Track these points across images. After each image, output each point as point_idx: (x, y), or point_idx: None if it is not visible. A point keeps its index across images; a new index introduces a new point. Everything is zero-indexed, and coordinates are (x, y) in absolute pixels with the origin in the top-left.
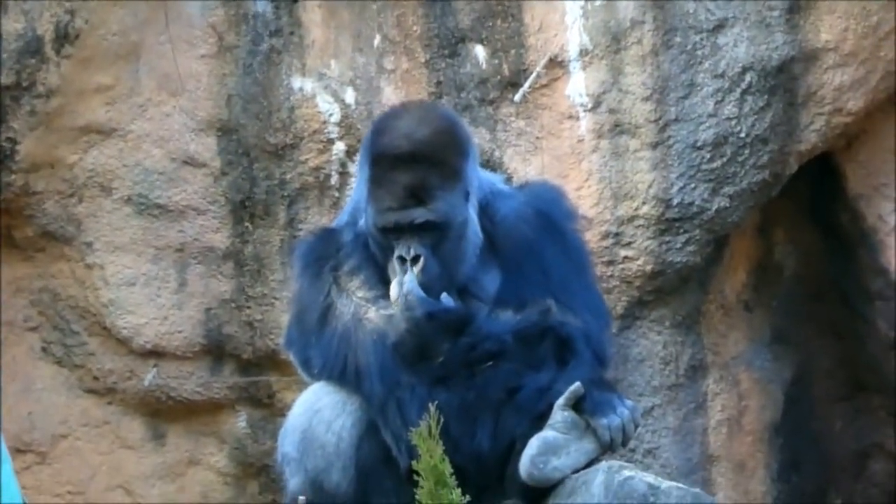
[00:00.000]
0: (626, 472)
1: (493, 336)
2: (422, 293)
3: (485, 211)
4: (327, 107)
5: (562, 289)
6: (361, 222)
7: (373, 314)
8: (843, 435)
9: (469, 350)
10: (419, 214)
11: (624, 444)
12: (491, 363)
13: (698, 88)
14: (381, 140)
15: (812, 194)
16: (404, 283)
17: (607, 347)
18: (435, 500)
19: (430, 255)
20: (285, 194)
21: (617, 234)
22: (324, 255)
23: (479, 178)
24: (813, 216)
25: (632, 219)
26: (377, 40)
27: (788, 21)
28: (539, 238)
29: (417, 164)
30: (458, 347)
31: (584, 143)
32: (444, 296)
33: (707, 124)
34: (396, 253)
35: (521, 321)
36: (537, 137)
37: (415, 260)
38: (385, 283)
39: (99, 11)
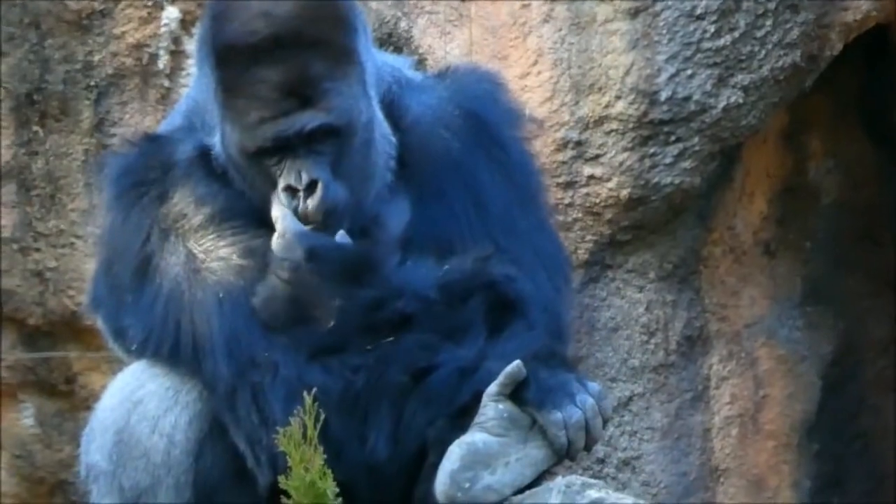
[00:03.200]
0: (593, 494)
1: (409, 290)
2: (303, 228)
3: (388, 111)
4: None
5: (502, 228)
6: (216, 145)
7: (217, 263)
8: None
9: (373, 309)
10: (308, 119)
11: (587, 448)
12: (402, 332)
13: None
14: (228, 26)
15: (861, 86)
16: (280, 219)
17: (564, 311)
18: None
19: (332, 179)
20: (91, 84)
21: (579, 144)
22: (146, 176)
23: (377, 62)
24: (862, 118)
25: (601, 121)
26: None
27: None
28: (469, 152)
29: (288, 50)
30: (356, 305)
31: (532, 10)
32: (339, 233)
33: None
34: (282, 183)
35: (449, 271)
36: (463, 1)
37: (310, 188)
38: (237, 220)
39: None
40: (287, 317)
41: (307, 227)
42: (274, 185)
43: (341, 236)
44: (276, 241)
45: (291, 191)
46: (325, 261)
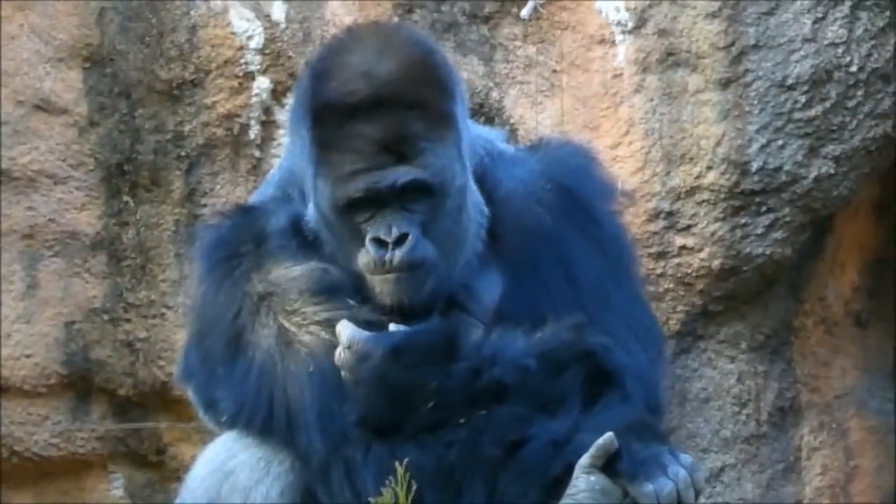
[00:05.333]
0: None
1: (506, 360)
2: (366, 333)
3: (481, 183)
4: (245, 26)
5: (595, 300)
6: (309, 212)
7: (309, 337)
8: None
9: (470, 381)
10: (403, 173)
11: None
12: (482, 405)
13: (788, 0)
14: (327, 85)
15: None
16: (342, 331)
17: (659, 383)
18: None
19: (421, 236)
20: (182, 154)
21: (671, 214)
22: (239, 249)
23: (471, 132)
24: None
25: (692, 191)
26: None
27: None
28: (561, 226)
29: (387, 109)
30: (452, 382)
31: (623, 80)
32: (392, 326)
33: (801, 52)
34: (370, 234)
35: (544, 340)
36: (554, 71)
37: (399, 242)
38: (329, 292)
39: None
40: (375, 399)
41: (391, 285)
42: (361, 241)
43: (395, 327)
44: (340, 354)
45: (379, 242)
46: (409, 352)
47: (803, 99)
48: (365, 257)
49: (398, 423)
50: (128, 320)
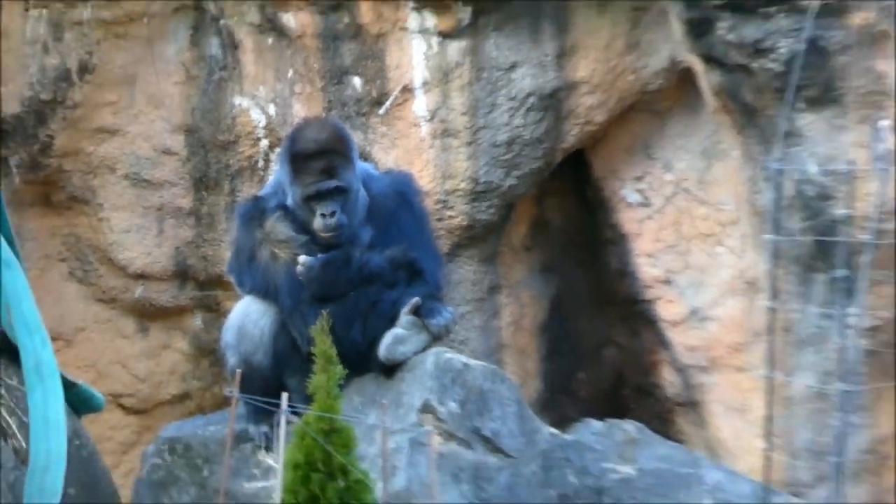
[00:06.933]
0: (448, 355)
1: (372, 264)
2: (314, 259)
3: (364, 187)
4: (257, 117)
5: (412, 240)
6: (288, 200)
7: (284, 254)
8: (587, 331)
9: (354, 275)
10: (332, 183)
11: (446, 336)
12: (367, 284)
13: (498, 107)
14: (296, 145)
15: (571, 175)
16: (301, 260)
17: (441, 275)
18: (325, 373)
19: (340, 211)
20: (229, 173)
21: (444, 202)
22: (254, 214)
23: (359, 165)
24: (572, 190)
25: (454, 191)
26: (290, 73)
27: (558, 63)
28: (398, 209)
29: (324, 154)
30: (345, 276)
31: (425, 142)
32: (318, 256)
33: (503, 130)
34: (318, 211)
35: (390, 255)
36: (394, 139)
37: (332, 215)
38: (295, 235)
39: (108, 51)
40: (315, 285)
41: (328, 234)
42: (314, 215)
43: (316, 259)
44: (301, 262)
45: (322, 215)
46: (328, 265)
47: (504, 150)
48: (315, 223)
49: (325, 295)
50: (204, 247)
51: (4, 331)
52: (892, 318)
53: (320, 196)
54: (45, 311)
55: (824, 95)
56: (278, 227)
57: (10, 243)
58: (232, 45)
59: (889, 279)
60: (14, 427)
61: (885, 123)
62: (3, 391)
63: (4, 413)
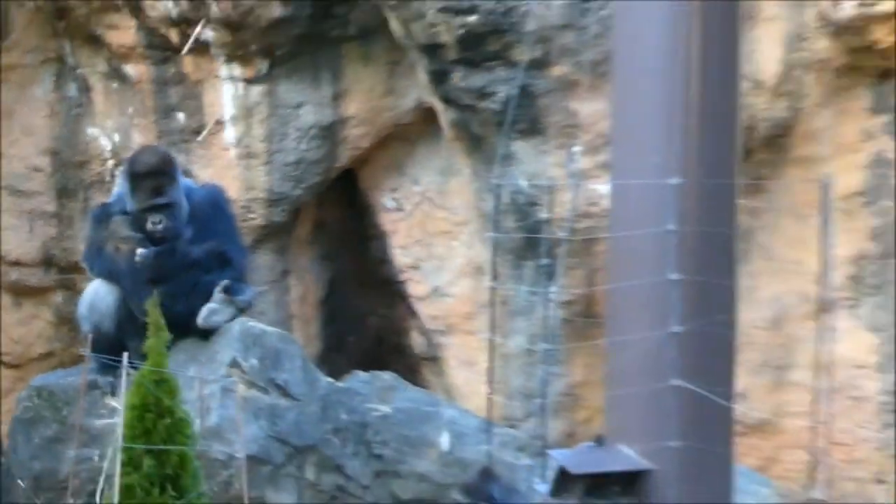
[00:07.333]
0: (250, 323)
1: (193, 255)
2: (148, 250)
3: (187, 197)
4: (105, 143)
5: (223, 236)
6: (128, 207)
7: (124, 247)
8: (356, 305)
9: (179, 262)
10: (160, 200)
11: (249, 309)
12: (188, 270)
13: (289, 136)
14: (134, 167)
15: (344, 187)
16: (139, 251)
17: (245, 263)
18: (156, 337)
19: (168, 220)
20: (83, 186)
21: (247, 207)
22: (102, 217)
23: (182, 181)
24: (344, 198)
25: (255, 199)
26: (130, 109)
27: (333, 102)
28: (212, 213)
29: (155, 175)
30: (173, 264)
31: (232, 163)
32: (150, 249)
33: (292, 153)
34: (150, 220)
35: (207, 247)
36: (210, 160)
37: (160, 222)
38: (132, 235)
39: None
40: (149, 271)
41: (158, 236)
42: (147, 222)
43: (149, 251)
44: (138, 254)
45: (153, 223)
46: (158, 256)
47: (293, 168)
48: (148, 227)
49: (157, 279)
50: (70, 242)
51: None
52: (582, 295)
53: (152, 209)
54: None
55: (532, 127)
56: (121, 227)
57: None
58: (86, 89)
59: (579, 265)
60: None
61: (577, 149)
62: None
63: None
